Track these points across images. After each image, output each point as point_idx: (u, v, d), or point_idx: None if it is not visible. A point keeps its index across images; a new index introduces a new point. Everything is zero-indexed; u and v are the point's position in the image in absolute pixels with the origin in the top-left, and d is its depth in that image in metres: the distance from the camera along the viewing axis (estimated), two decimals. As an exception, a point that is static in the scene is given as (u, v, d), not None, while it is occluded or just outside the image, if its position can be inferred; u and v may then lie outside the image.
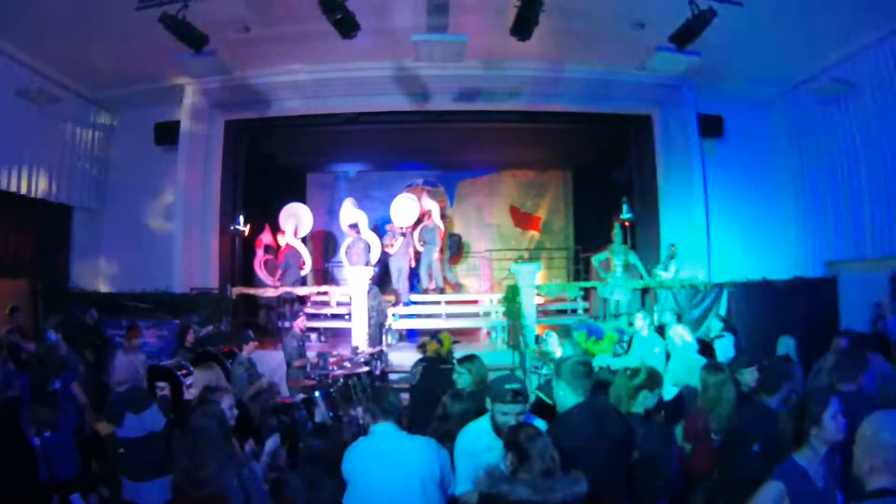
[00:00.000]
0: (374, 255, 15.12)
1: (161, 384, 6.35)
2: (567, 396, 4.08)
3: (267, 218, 14.98)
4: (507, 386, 3.85)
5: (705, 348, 8.70)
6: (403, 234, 14.48)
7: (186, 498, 3.79)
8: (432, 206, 15.59)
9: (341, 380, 9.05)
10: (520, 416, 3.82)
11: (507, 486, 3.23)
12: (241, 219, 14.27)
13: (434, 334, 8.18)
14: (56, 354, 7.90)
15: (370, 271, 12.34)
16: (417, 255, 15.07)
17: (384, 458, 3.80)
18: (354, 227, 14.93)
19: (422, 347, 8.11)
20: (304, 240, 15.19)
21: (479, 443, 3.91)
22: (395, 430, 3.95)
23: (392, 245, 14.49)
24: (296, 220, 14.94)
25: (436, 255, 15.08)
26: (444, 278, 15.78)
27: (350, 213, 15.20)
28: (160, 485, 5.24)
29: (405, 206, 14.95)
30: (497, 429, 3.84)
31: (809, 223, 13.22)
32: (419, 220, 15.25)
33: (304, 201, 18.30)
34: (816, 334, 9.47)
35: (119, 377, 5.62)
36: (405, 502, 3.70)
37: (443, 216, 16.76)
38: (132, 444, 5.36)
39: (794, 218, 13.67)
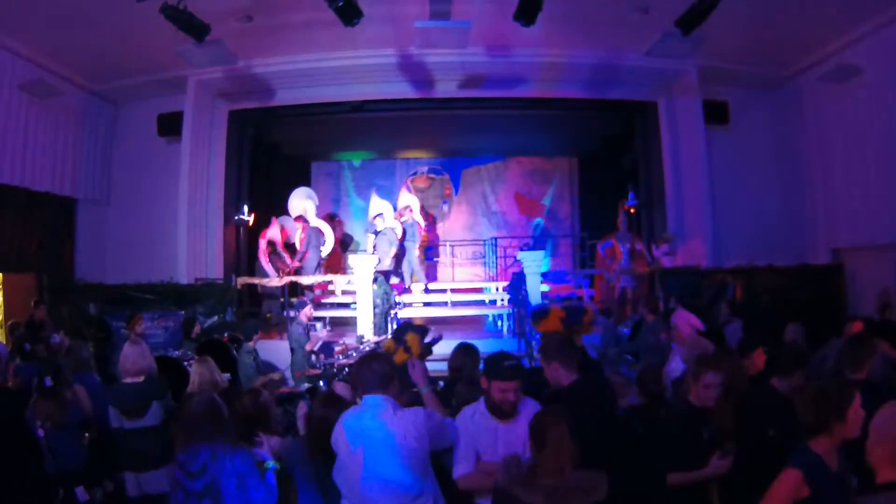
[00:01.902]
0: (327, 246, 14.93)
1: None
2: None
3: (271, 208, 14.88)
4: (505, 363, 3.85)
5: (713, 334, 8.67)
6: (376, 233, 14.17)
7: (181, 487, 3.82)
8: (412, 201, 15.32)
9: (346, 369, 9.01)
10: (518, 391, 3.84)
11: (520, 489, 3.23)
12: (246, 209, 14.23)
13: (399, 334, 7.42)
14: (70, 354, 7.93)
15: (375, 260, 12.25)
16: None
17: (370, 431, 3.71)
18: (301, 217, 14.64)
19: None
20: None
21: (474, 424, 3.91)
22: (383, 401, 3.82)
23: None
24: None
25: (416, 253, 14.72)
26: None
27: (297, 202, 14.71)
28: (162, 474, 5.30)
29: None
30: (493, 408, 3.86)
31: (816, 209, 13.15)
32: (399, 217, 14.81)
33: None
34: (822, 321, 9.45)
35: (133, 368, 5.57)
36: (392, 476, 3.62)
37: (422, 209, 16.62)
38: (144, 434, 5.47)
39: (800, 204, 13.61)
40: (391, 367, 4.06)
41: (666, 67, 12.70)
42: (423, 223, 15.31)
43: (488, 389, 3.90)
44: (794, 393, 4.22)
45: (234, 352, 9.22)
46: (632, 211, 14.39)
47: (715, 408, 4.39)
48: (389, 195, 16.34)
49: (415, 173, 19.19)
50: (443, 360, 10.59)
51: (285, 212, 14.48)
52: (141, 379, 5.62)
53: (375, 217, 14.41)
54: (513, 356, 4.01)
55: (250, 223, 14.35)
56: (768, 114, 14.15)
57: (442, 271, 18.06)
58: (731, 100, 13.75)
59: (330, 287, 14.41)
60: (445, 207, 19.17)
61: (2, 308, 11.42)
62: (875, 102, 11.20)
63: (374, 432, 3.68)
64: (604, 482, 3.23)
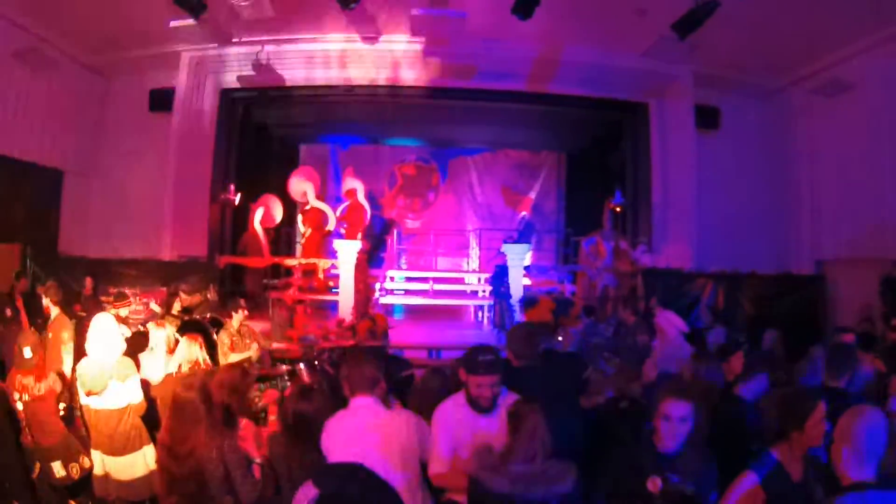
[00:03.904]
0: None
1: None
2: None
3: (258, 188, 14.81)
4: (481, 357, 3.88)
5: (694, 337, 8.74)
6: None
7: (167, 472, 3.81)
8: (356, 185, 15.21)
9: (326, 352, 9.00)
10: (495, 386, 3.86)
11: (489, 474, 3.27)
12: (233, 188, 14.16)
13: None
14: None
15: (359, 244, 12.21)
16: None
17: (363, 432, 3.74)
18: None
19: (350, 330, 7.76)
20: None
21: (455, 417, 3.92)
22: (374, 403, 3.91)
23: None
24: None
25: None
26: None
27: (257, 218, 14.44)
28: (134, 459, 5.27)
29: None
30: (472, 401, 3.88)
31: (801, 220, 13.27)
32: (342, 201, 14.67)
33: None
34: (802, 331, 9.53)
35: (98, 343, 5.46)
36: (385, 475, 3.56)
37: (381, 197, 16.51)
38: (105, 416, 5.29)
39: (785, 213, 13.70)
40: (379, 369, 4.09)
41: (660, 70, 12.68)
42: (368, 208, 14.99)
43: (466, 383, 3.93)
44: (761, 400, 4.37)
45: (214, 335, 9.16)
46: (617, 210, 14.43)
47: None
48: (376, 180, 16.22)
49: (402, 161, 19.16)
50: (423, 347, 10.74)
51: (272, 192, 14.48)
52: (107, 356, 5.36)
53: (301, 197, 14.31)
54: (492, 350, 4.02)
55: (236, 203, 14.27)
56: (759, 122, 14.16)
57: (424, 260, 18.05)
58: (722, 106, 13.80)
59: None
60: (432, 196, 19.16)
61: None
62: (865, 118, 11.27)
63: (366, 432, 3.71)
64: (571, 473, 3.27)
